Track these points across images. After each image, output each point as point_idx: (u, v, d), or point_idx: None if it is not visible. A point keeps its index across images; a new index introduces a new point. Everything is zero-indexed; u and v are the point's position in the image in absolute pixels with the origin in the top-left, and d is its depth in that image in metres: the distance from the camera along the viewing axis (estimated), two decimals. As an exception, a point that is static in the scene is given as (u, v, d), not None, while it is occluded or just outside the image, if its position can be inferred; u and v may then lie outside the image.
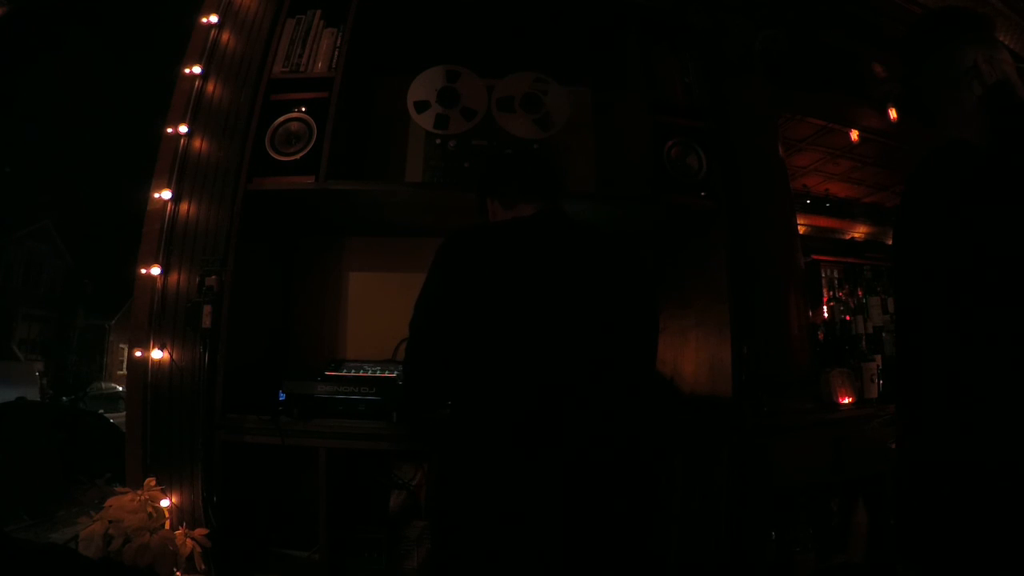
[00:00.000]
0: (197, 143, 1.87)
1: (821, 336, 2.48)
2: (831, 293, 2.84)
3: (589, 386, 1.08)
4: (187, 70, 1.93)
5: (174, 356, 1.72)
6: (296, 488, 1.87)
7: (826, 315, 2.70)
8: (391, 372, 1.90)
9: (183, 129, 1.86)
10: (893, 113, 2.70)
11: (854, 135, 2.77)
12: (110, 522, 1.48)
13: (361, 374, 1.88)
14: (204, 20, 2.00)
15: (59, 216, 20.80)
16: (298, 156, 1.78)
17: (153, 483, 1.61)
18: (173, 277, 1.77)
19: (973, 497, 0.81)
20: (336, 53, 1.91)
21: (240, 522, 1.70)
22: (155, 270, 1.76)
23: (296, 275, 2.25)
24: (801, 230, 2.47)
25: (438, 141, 2.07)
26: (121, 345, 20.68)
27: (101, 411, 8.23)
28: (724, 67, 2.26)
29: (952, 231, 0.87)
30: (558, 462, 1.02)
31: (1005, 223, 0.82)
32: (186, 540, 1.53)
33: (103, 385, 17.78)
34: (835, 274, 2.94)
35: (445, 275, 1.16)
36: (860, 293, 2.76)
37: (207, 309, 1.67)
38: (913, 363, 0.94)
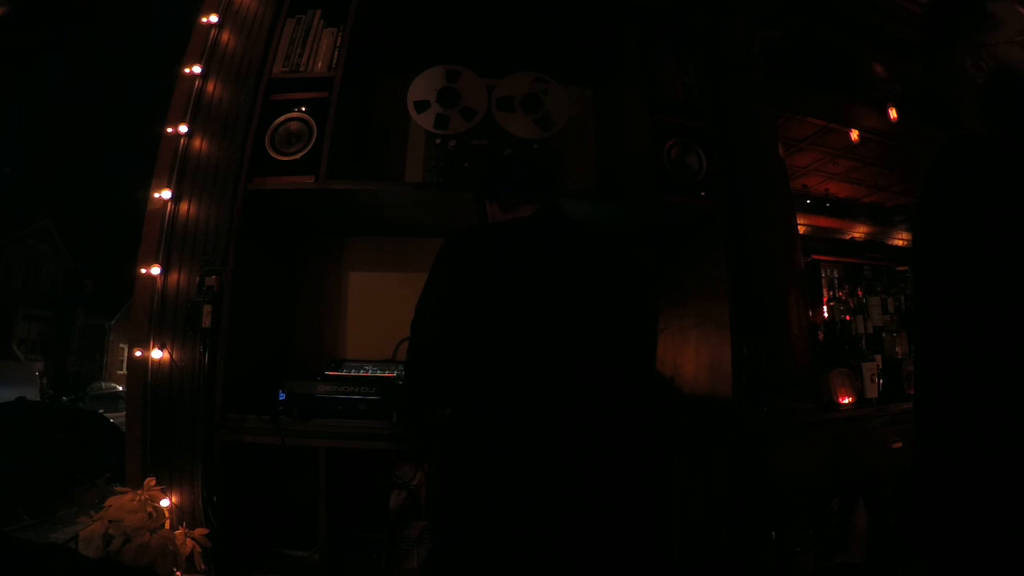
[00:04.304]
0: (197, 143, 1.87)
1: (821, 336, 2.48)
2: (831, 293, 2.84)
3: (589, 386, 1.08)
4: (187, 70, 1.93)
5: (174, 356, 1.72)
6: (296, 488, 1.87)
7: (826, 315, 2.69)
8: (391, 372, 1.91)
9: (183, 129, 1.86)
10: (893, 113, 2.70)
11: (854, 135, 2.77)
12: (110, 522, 1.48)
13: (361, 374, 1.88)
14: (204, 20, 2.00)
15: (59, 216, 20.82)
16: (298, 156, 1.78)
17: (153, 483, 1.61)
18: (173, 277, 1.78)
19: (993, 495, 0.80)
20: (336, 53, 1.91)
21: (240, 522, 1.70)
22: (155, 270, 1.76)
23: (296, 275, 2.24)
24: (801, 230, 2.47)
25: (438, 141, 2.07)
26: (121, 345, 20.67)
27: (101, 411, 8.23)
28: (724, 67, 2.26)
29: (963, 234, 0.87)
30: (558, 462, 1.02)
31: (1013, 223, 0.82)
32: (186, 540, 1.53)
33: (103, 385, 17.76)
34: (835, 274, 2.94)
35: (446, 276, 1.16)
36: (860, 293, 2.76)
37: (207, 309, 1.67)
38: (933, 364, 0.93)
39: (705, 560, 1.75)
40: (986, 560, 0.81)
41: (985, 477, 0.81)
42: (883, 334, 2.50)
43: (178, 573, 1.51)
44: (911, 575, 1.90)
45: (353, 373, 1.89)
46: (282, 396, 1.67)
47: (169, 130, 1.87)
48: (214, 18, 2.00)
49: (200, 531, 1.55)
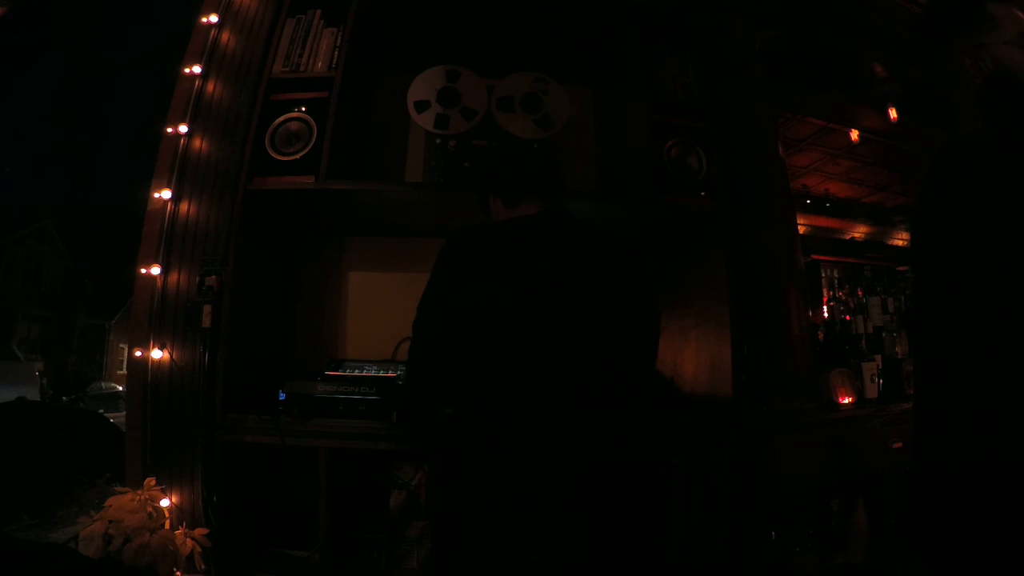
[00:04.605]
0: (197, 143, 1.87)
1: (821, 336, 2.48)
2: (831, 293, 2.84)
3: (591, 386, 1.08)
4: (187, 70, 1.93)
5: (174, 356, 1.72)
6: (296, 488, 1.87)
7: (826, 315, 2.69)
8: (391, 372, 1.91)
9: (183, 129, 1.86)
10: (893, 113, 2.70)
11: (854, 135, 2.77)
12: (110, 522, 1.48)
13: (361, 374, 1.88)
14: (204, 20, 2.00)
15: (59, 216, 20.82)
16: (298, 156, 1.78)
17: (153, 483, 1.61)
18: (173, 277, 1.77)
19: (993, 495, 0.80)
20: (336, 53, 1.91)
21: (240, 522, 1.70)
22: (155, 270, 1.76)
23: (296, 275, 2.25)
24: (801, 230, 2.47)
25: (438, 141, 2.07)
26: (121, 345, 20.67)
27: (101, 411, 8.22)
28: (724, 67, 2.26)
29: (963, 234, 0.87)
30: (559, 462, 1.02)
31: (1012, 223, 0.81)
32: (186, 540, 1.53)
33: (103, 385, 17.75)
34: (835, 274, 2.94)
35: (449, 274, 1.16)
36: (860, 293, 2.76)
37: (207, 309, 1.67)
38: (932, 364, 0.93)
39: (705, 560, 1.75)
40: (986, 560, 0.81)
41: (984, 477, 0.81)
42: (883, 334, 2.50)
43: (178, 573, 1.51)
44: (911, 575, 1.90)
45: (353, 373, 1.89)
46: (282, 396, 1.67)
47: (169, 130, 1.87)
48: (214, 18, 2.00)
49: (200, 531, 1.55)
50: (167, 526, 1.59)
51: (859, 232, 3.44)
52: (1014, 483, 0.78)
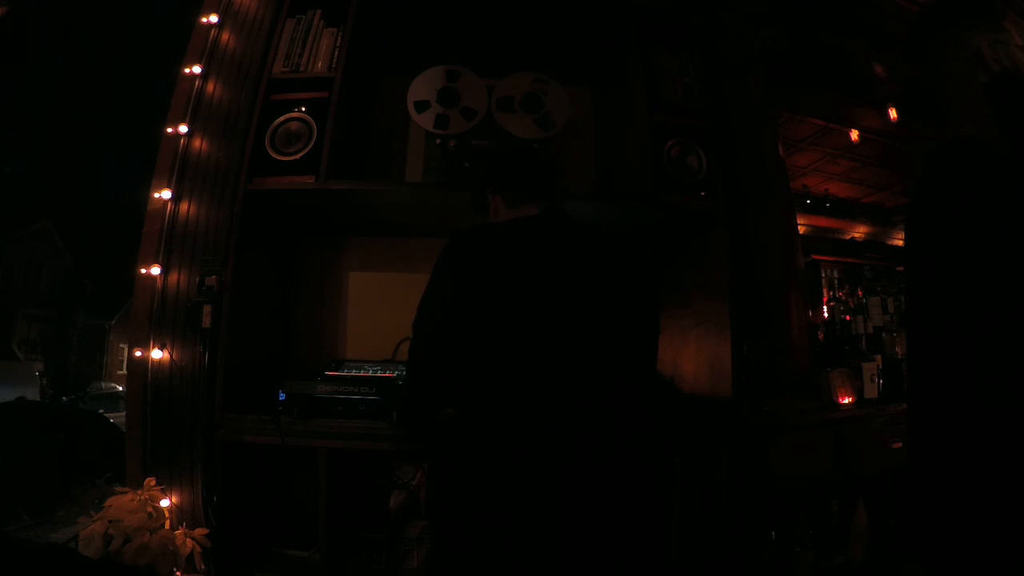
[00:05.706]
0: (197, 143, 1.87)
1: (821, 336, 2.48)
2: (831, 293, 2.84)
3: (591, 386, 1.08)
4: (187, 70, 1.93)
5: (174, 356, 1.72)
6: (296, 488, 1.87)
7: (826, 315, 2.70)
8: (391, 372, 1.91)
9: (183, 129, 1.86)
10: (893, 113, 2.71)
11: (854, 135, 2.78)
12: (110, 522, 1.48)
13: (361, 374, 1.88)
14: (204, 20, 2.00)
15: (59, 216, 20.79)
16: (298, 156, 1.78)
17: (153, 483, 1.61)
18: (173, 277, 1.77)
19: (990, 498, 0.80)
20: (336, 53, 1.91)
21: (240, 522, 1.70)
22: (155, 270, 1.76)
23: (296, 275, 2.24)
24: (801, 230, 2.48)
25: (438, 141, 2.07)
26: (121, 345, 20.65)
27: (101, 411, 8.22)
28: (724, 67, 2.27)
29: (960, 237, 0.86)
30: (559, 462, 1.02)
31: (1013, 226, 0.81)
32: (186, 540, 1.53)
33: (103, 385, 17.76)
34: (835, 274, 2.95)
35: (451, 275, 1.16)
36: (860, 293, 2.77)
37: (207, 309, 1.67)
38: (924, 366, 0.93)
39: (705, 560, 1.75)
40: (984, 560, 0.81)
41: (980, 477, 0.82)
42: (883, 334, 2.50)
43: (178, 573, 1.51)
44: (911, 575, 1.91)
45: (353, 373, 1.89)
46: (282, 396, 1.67)
47: (169, 130, 1.87)
48: (214, 18, 2.00)
49: (200, 531, 1.56)
50: (167, 526, 1.59)
51: (859, 232, 3.45)
52: (1010, 482, 0.78)
